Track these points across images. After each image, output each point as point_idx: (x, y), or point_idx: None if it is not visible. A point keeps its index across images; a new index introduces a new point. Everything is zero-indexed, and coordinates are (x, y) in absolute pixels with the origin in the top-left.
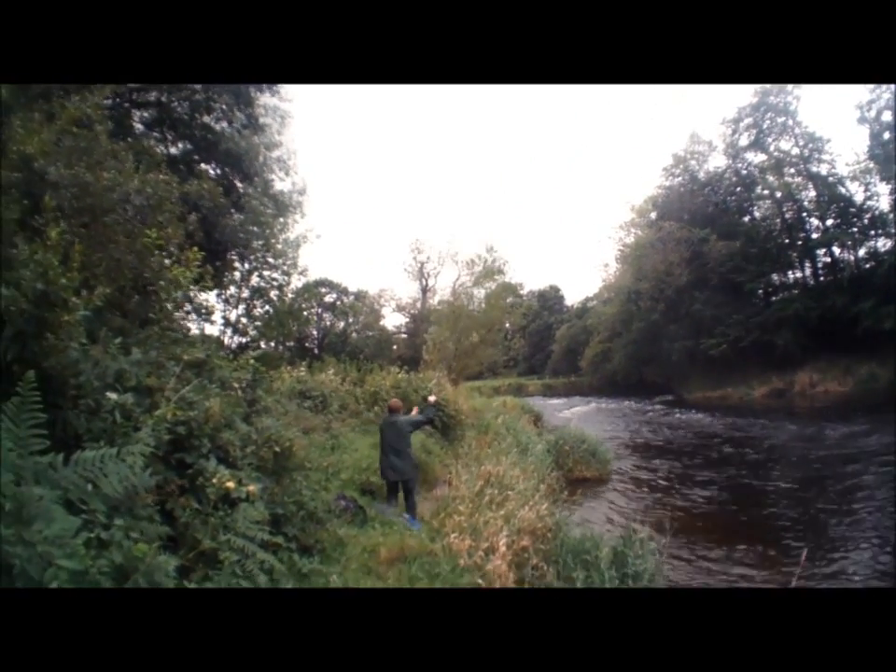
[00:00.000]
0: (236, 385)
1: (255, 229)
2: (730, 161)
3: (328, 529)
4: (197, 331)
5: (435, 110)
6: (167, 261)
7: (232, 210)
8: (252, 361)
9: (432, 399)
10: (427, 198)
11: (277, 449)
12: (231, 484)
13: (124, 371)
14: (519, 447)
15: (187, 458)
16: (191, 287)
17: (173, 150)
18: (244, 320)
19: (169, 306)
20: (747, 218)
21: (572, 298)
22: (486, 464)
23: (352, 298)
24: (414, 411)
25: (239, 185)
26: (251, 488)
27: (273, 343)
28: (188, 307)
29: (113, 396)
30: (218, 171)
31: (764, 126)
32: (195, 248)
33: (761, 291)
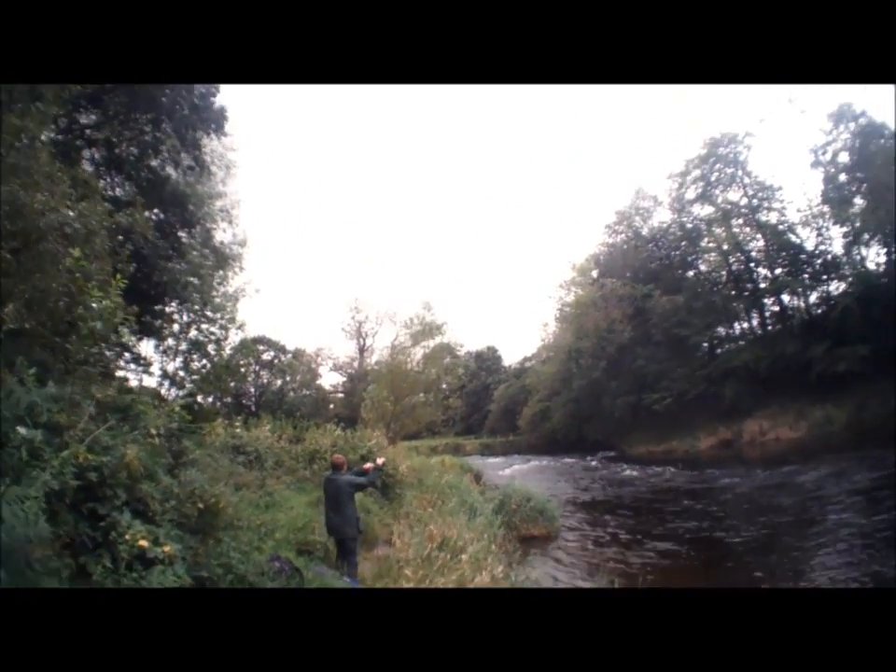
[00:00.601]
0: (154, 433)
1: (194, 280)
2: (675, 216)
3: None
4: (136, 382)
5: (373, 162)
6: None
7: (172, 253)
8: (178, 409)
9: (380, 461)
10: (366, 256)
11: (201, 505)
12: (144, 543)
13: (36, 404)
14: (465, 507)
15: (99, 509)
16: (123, 329)
17: (118, 192)
18: (181, 373)
19: (89, 343)
20: (691, 273)
21: (510, 358)
22: (432, 525)
23: (289, 356)
24: (367, 466)
25: (180, 233)
26: (167, 548)
27: (210, 399)
28: (126, 356)
29: (22, 430)
30: (161, 216)
31: (713, 178)
32: (119, 277)
33: (706, 344)
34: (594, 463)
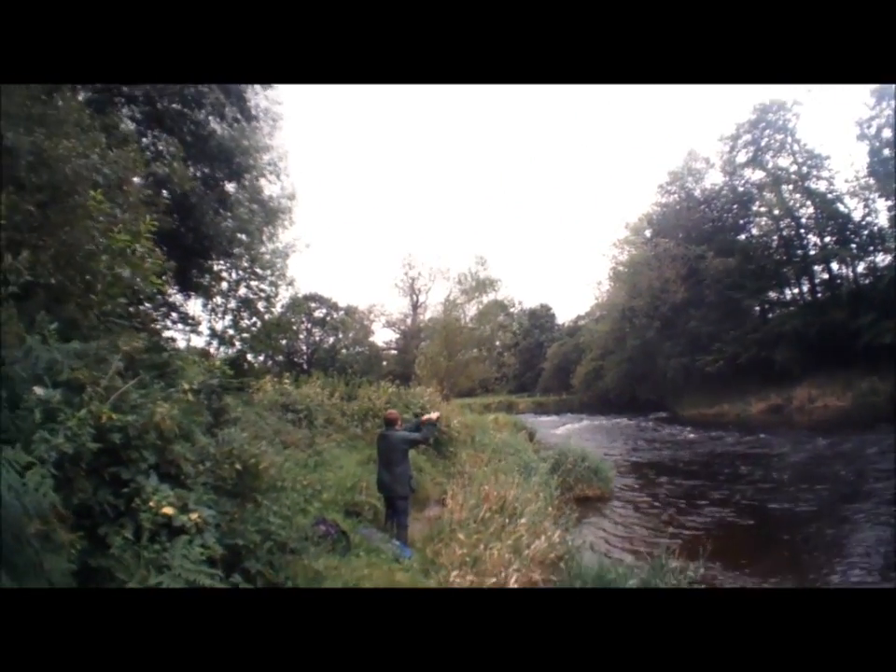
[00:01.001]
0: (187, 388)
1: (242, 236)
2: (727, 178)
3: (303, 561)
4: (184, 343)
5: (431, 121)
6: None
7: (219, 207)
8: (219, 364)
9: (435, 415)
10: (420, 212)
11: (239, 466)
12: (168, 510)
13: (56, 361)
14: (520, 466)
15: (123, 473)
16: (157, 280)
17: (160, 147)
18: (230, 331)
19: (115, 293)
20: (743, 236)
21: (563, 316)
22: (487, 485)
23: (342, 313)
24: (424, 418)
25: (228, 187)
26: (195, 516)
27: (261, 357)
28: (174, 316)
29: (39, 390)
30: (206, 170)
31: (763, 143)
32: (149, 219)
33: (757, 308)
34: (647, 424)
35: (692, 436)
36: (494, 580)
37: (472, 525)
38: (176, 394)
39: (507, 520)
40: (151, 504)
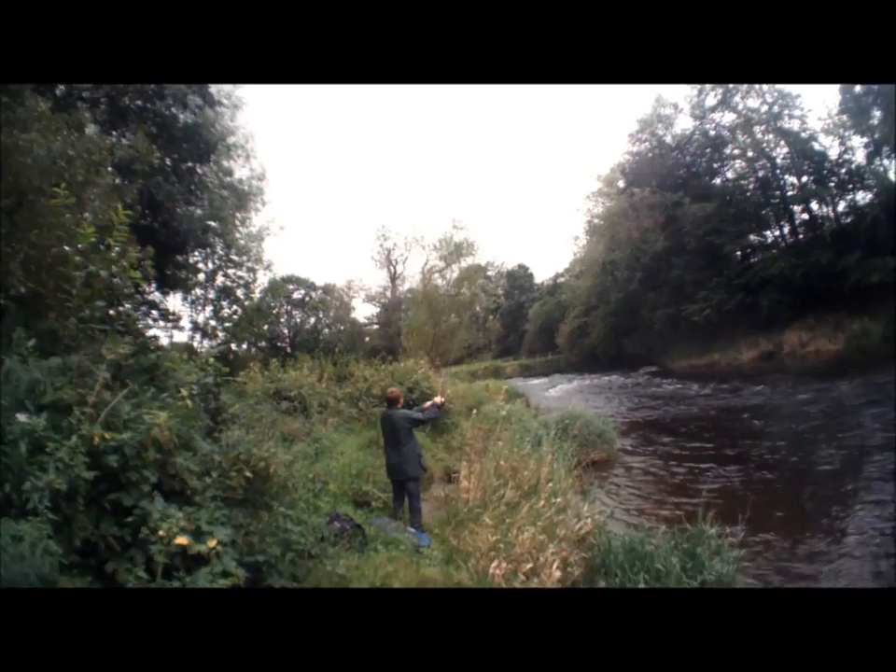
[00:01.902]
0: (185, 393)
1: (214, 224)
2: (697, 123)
3: (325, 567)
4: (166, 340)
5: (397, 89)
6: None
7: (190, 196)
8: (212, 360)
9: (439, 400)
10: (389, 181)
11: (249, 474)
12: (183, 540)
13: (38, 381)
14: (528, 435)
15: (124, 500)
16: (135, 273)
17: (124, 141)
18: (212, 322)
19: (89, 295)
20: (719, 180)
21: (542, 275)
22: (503, 461)
23: (320, 292)
24: (426, 405)
25: (198, 170)
26: (213, 543)
27: (244, 345)
28: (154, 314)
29: (22, 417)
30: (175, 155)
31: (730, 85)
32: (120, 209)
33: (739, 253)
34: (639, 380)
35: (687, 391)
36: (530, 564)
37: (495, 506)
38: (171, 400)
39: (529, 496)
40: (161, 533)
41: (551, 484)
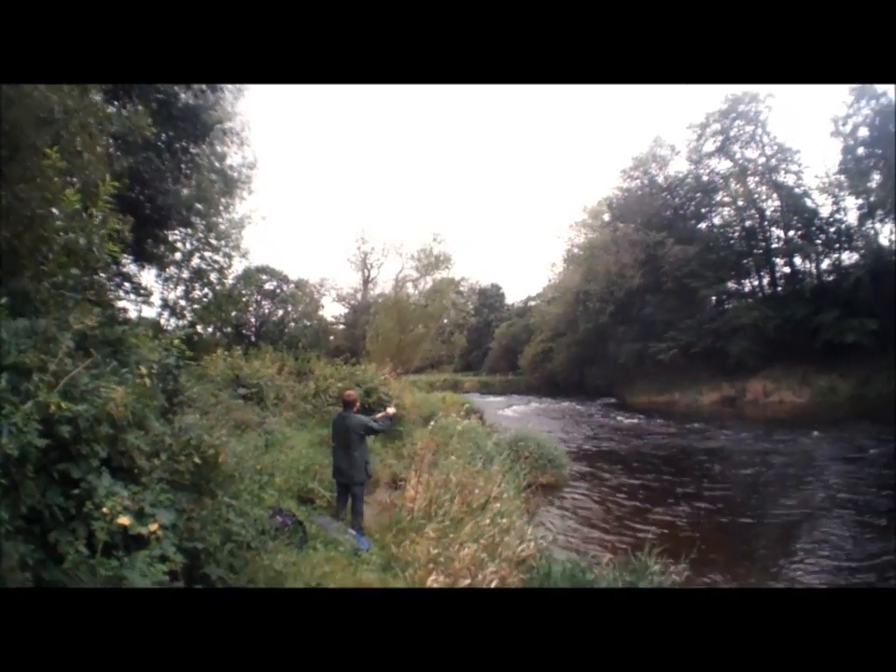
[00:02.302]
0: (145, 371)
1: (199, 206)
2: (692, 167)
3: (262, 561)
4: (135, 314)
5: (392, 96)
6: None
7: (178, 175)
8: (177, 342)
9: (391, 411)
10: (374, 187)
11: (198, 460)
12: (125, 520)
13: (2, 342)
14: (479, 452)
15: (73, 471)
16: (112, 245)
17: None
18: (182, 302)
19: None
20: (704, 225)
21: (513, 296)
22: (452, 474)
23: (292, 286)
24: (379, 415)
25: (191, 150)
26: (154, 527)
27: (210, 329)
28: (127, 286)
29: None
30: (171, 133)
31: (732, 133)
32: (108, 180)
33: (714, 298)
34: (597, 409)
35: (645, 424)
36: (468, 581)
37: (440, 519)
38: (130, 376)
39: (475, 513)
40: (105, 510)
41: (498, 505)
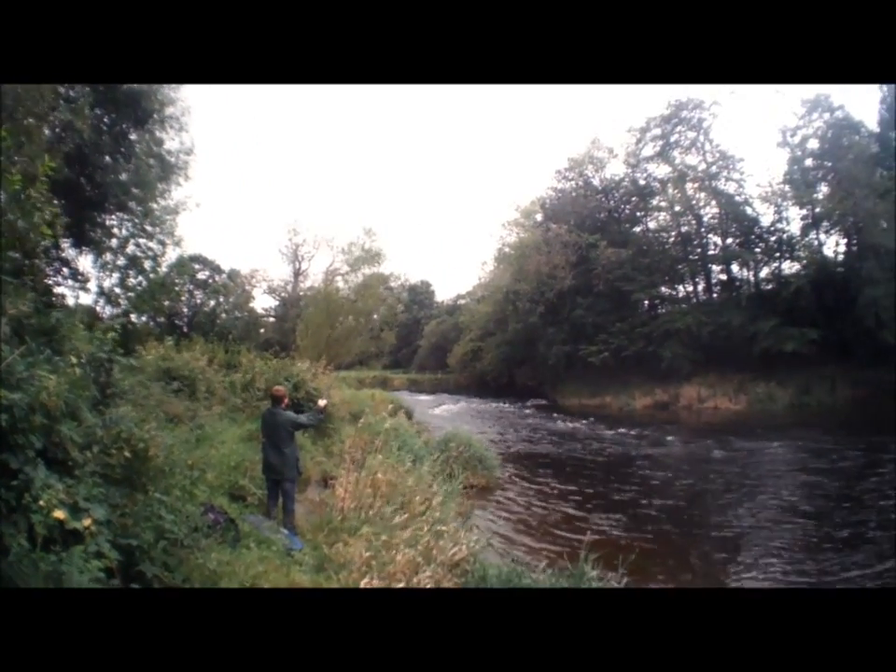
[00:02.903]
0: (75, 361)
1: (136, 191)
2: (629, 170)
3: (196, 559)
4: (72, 300)
5: (324, 90)
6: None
7: (118, 158)
8: (111, 334)
9: (322, 403)
10: (306, 179)
11: (128, 453)
12: (60, 514)
13: None
14: (409, 452)
15: (11, 462)
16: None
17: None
18: (117, 290)
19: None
20: (639, 228)
21: (443, 294)
22: (380, 473)
23: (224, 276)
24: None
25: (131, 135)
26: (88, 522)
27: (143, 318)
28: (65, 272)
29: None
30: (113, 115)
31: (672, 139)
32: (48, 160)
33: (647, 302)
34: (527, 410)
35: (575, 426)
36: (402, 584)
37: (373, 519)
38: (63, 365)
39: (412, 517)
40: (42, 503)
41: (438, 513)
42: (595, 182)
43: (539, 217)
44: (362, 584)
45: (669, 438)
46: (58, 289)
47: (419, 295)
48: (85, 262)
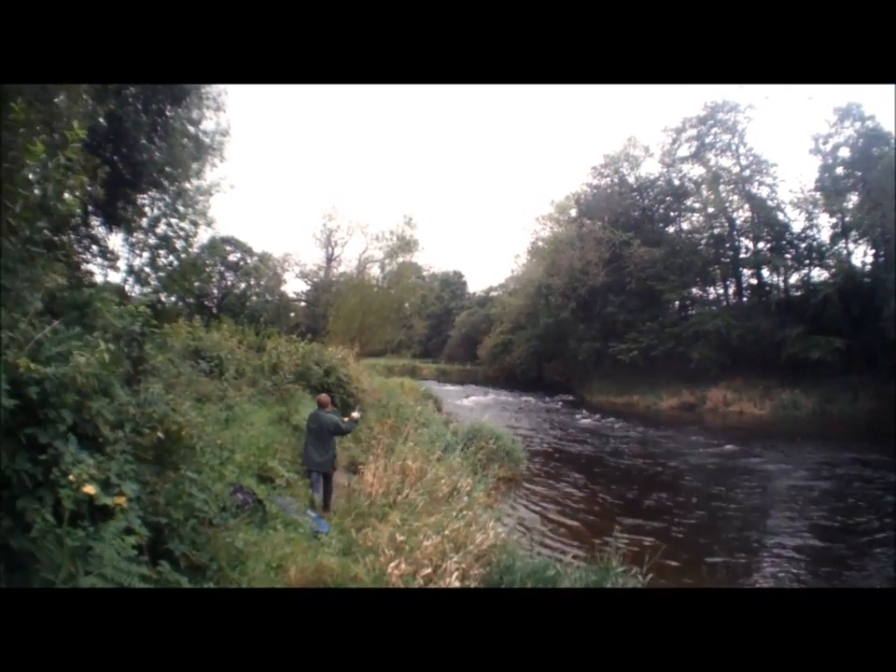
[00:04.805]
0: (106, 337)
1: (169, 170)
2: (664, 170)
3: (224, 538)
4: (101, 278)
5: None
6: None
7: (153, 137)
8: (142, 308)
9: (356, 415)
10: (345, 163)
11: (161, 434)
12: (90, 489)
13: None
14: (439, 441)
15: (40, 436)
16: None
17: None
18: (147, 269)
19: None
20: (672, 228)
21: (475, 285)
22: (410, 460)
23: (256, 259)
24: (346, 418)
25: (167, 112)
26: (121, 499)
27: (173, 298)
28: (94, 249)
29: None
30: (149, 92)
31: (707, 140)
32: (78, 125)
33: (677, 303)
34: (556, 405)
35: (606, 423)
36: (429, 570)
37: (401, 505)
38: (95, 341)
39: (439, 503)
40: (72, 478)
41: (467, 498)
42: (630, 180)
43: (573, 212)
44: (389, 569)
45: (693, 439)
46: (87, 267)
47: (451, 285)
48: (115, 241)
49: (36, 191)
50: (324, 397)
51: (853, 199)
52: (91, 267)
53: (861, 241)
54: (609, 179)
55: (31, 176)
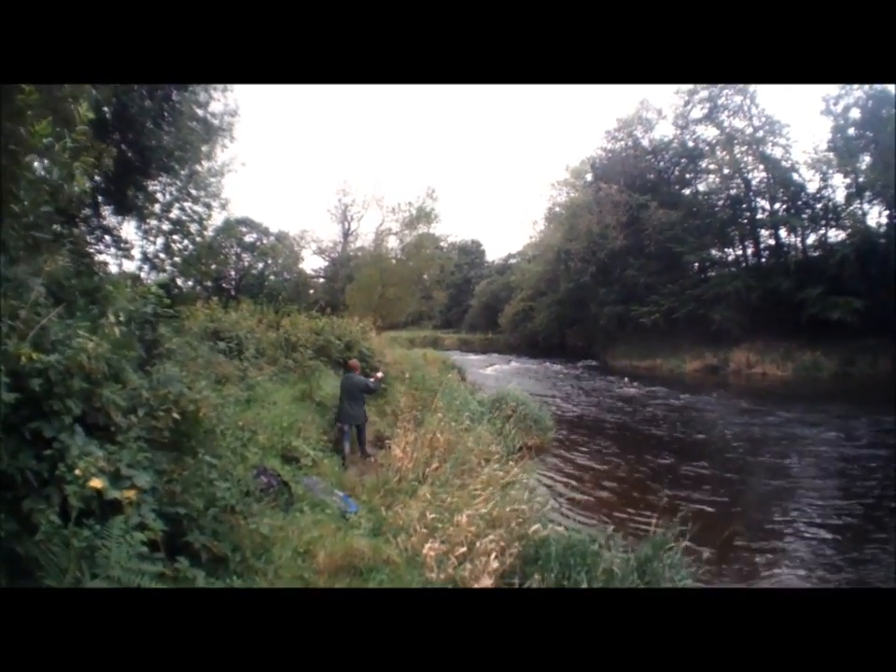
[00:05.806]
0: (118, 319)
1: (179, 153)
2: (678, 132)
3: (248, 526)
4: (115, 268)
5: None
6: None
7: (160, 121)
8: (154, 289)
9: (380, 375)
10: (357, 136)
11: (177, 415)
12: (97, 483)
13: None
14: (465, 410)
15: (45, 430)
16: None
17: None
18: (161, 255)
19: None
20: (688, 191)
21: (494, 254)
22: (439, 433)
23: (272, 239)
24: (372, 378)
25: (174, 97)
26: (131, 493)
27: (190, 282)
28: (107, 239)
29: None
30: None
31: (720, 102)
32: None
33: (697, 265)
34: (579, 371)
35: (631, 391)
36: (464, 549)
37: (431, 482)
38: (104, 325)
39: (470, 475)
40: (78, 472)
41: (499, 471)
42: (645, 143)
43: (588, 177)
44: (425, 549)
45: (726, 402)
46: (100, 257)
47: (470, 254)
48: (128, 229)
49: (42, 173)
50: (354, 361)
51: (866, 159)
52: (104, 257)
53: (875, 201)
54: (623, 143)
55: (35, 164)
